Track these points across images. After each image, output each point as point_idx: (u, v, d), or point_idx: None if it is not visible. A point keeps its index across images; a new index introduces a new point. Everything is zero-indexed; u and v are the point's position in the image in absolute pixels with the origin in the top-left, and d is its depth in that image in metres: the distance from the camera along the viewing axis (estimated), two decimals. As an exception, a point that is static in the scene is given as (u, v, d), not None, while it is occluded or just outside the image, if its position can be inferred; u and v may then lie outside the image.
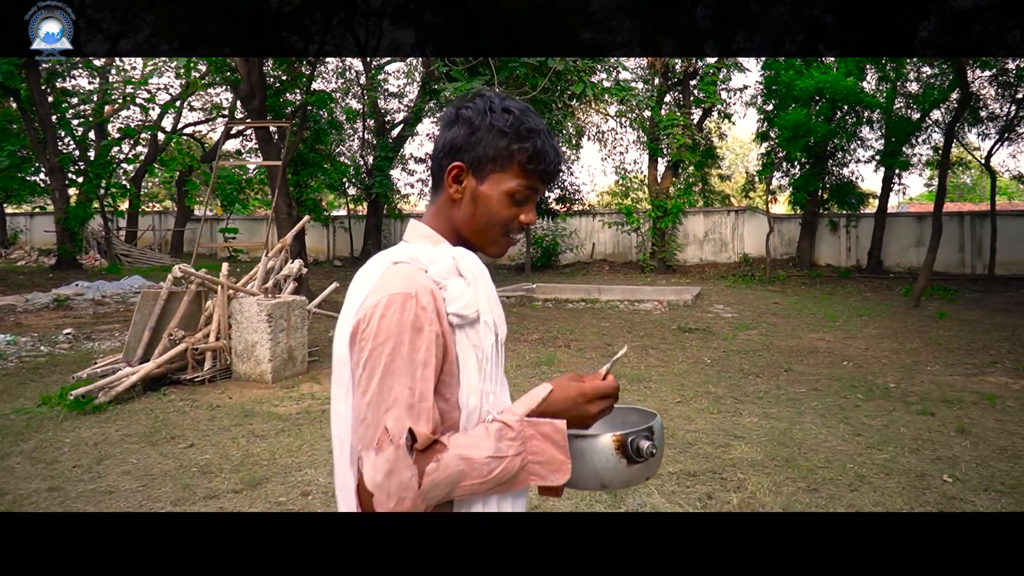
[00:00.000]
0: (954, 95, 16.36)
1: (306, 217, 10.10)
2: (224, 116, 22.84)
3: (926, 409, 5.49)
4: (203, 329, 6.48)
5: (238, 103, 19.47)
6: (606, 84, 14.28)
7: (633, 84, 19.08)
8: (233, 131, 20.86)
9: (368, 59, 19.79)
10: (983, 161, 18.28)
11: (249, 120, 13.68)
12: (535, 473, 1.06)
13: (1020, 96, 16.80)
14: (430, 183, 1.27)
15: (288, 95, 16.33)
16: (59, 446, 4.53)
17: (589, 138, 22.31)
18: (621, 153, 28.72)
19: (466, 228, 1.18)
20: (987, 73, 16.78)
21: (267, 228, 12.39)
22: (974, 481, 3.96)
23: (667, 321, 10.31)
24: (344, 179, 21.32)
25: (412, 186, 22.96)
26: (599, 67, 15.41)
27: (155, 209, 30.45)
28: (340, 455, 1.11)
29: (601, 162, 54.32)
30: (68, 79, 19.35)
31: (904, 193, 21.64)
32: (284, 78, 15.56)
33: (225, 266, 6.82)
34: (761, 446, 4.56)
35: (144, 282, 13.17)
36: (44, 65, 16.49)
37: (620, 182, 22.39)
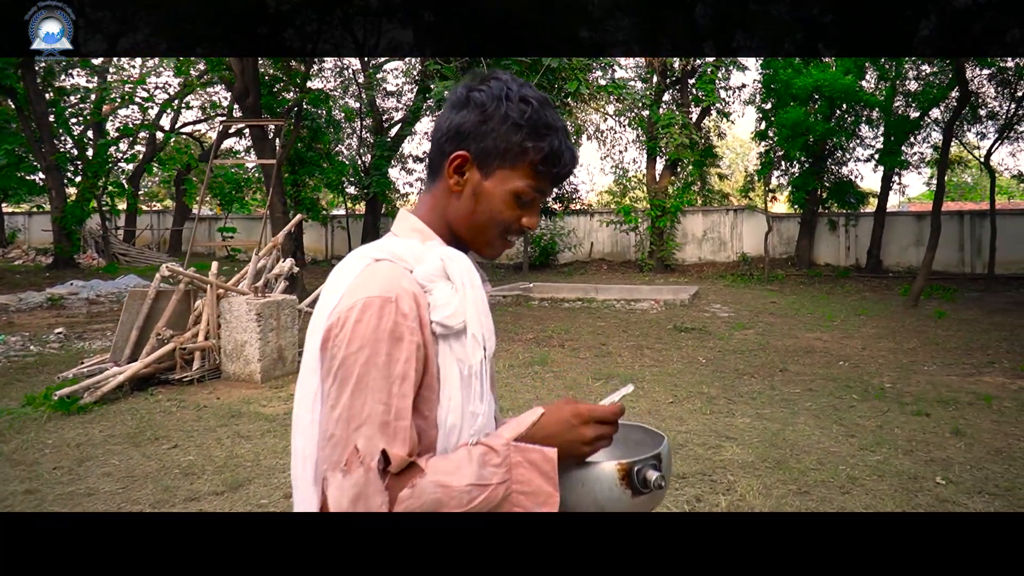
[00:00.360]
0: (953, 93, 16.28)
1: (298, 216, 10.04)
2: (222, 115, 22.82)
3: (921, 410, 5.42)
4: (192, 328, 6.43)
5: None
6: (601, 82, 14.23)
7: (631, 82, 19.03)
8: (231, 130, 20.82)
9: (366, 58, 19.75)
10: (982, 160, 18.20)
11: (245, 119, 13.63)
12: (519, 505, 0.95)
13: (1020, 94, 16.71)
14: (427, 168, 1.14)
15: (285, 93, 16.31)
16: (40, 447, 4.48)
17: (588, 137, 22.28)
18: (620, 152, 28.76)
19: (462, 224, 1.08)
20: (986, 71, 16.70)
21: (262, 227, 12.34)
22: (967, 483, 3.89)
23: (663, 320, 10.24)
24: (342, 178, 21.29)
25: (411, 185, 22.95)
26: (595, 64, 15.35)
27: (154, 208, 30.45)
28: (304, 471, 0.99)
29: (600, 161, 54.17)
30: (66, 78, 19.33)
31: (904, 192, 21.58)
32: (280, 76, 15.53)
33: (215, 265, 6.77)
34: (753, 448, 4.49)
35: (140, 281, 13.11)
36: (41, 64, 16.45)
37: (619, 181, 22.36)
